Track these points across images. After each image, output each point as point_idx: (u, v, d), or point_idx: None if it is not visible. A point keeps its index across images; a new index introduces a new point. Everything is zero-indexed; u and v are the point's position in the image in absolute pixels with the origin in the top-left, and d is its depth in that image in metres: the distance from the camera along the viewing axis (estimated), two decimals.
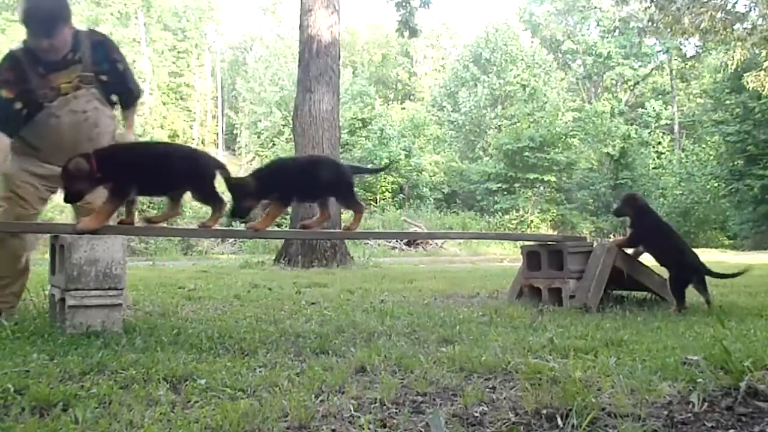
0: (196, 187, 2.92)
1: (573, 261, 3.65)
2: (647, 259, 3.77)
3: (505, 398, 1.66)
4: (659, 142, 33.91)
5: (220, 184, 2.98)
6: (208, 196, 2.95)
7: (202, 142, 42.17)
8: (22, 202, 2.96)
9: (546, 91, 30.17)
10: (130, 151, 2.97)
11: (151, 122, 35.65)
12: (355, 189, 3.41)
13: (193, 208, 13.48)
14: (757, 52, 12.44)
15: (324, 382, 1.79)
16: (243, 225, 3.28)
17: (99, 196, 2.85)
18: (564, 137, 25.89)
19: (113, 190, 2.73)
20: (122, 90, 3.15)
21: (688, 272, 3.50)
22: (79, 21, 39.08)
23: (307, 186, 3.15)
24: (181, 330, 2.61)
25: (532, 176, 24.55)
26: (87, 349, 2.18)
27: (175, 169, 2.85)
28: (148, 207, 12.02)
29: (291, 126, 10.95)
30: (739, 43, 11.50)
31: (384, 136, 23.67)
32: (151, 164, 2.82)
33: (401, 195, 23.63)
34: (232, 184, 2.96)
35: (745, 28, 11.32)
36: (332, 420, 1.47)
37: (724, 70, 19.82)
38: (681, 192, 26.48)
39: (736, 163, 22.66)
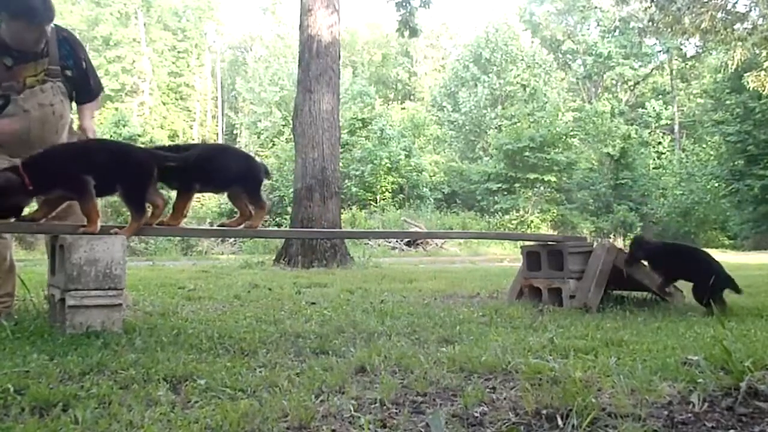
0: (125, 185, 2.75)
1: (573, 261, 3.65)
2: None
3: (505, 398, 1.66)
4: (659, 142, 33.92)
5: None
6: (131, 198, 2.77)
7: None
8: None
9: (546, 91, 30.19)
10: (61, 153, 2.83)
11: (151, 122, 35.65)
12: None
13: (192, 208, 13.49)
14: (757, 52, 12.43)
15: (324, 382, 1.78)
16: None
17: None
18: (564, 137, 25.88)
19: (72, 189, 2.66)
20: (83, 86, 3.15)
21: (716, 283, 3.44)
22: (79, 21, 38.82)
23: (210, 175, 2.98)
24: (181, 330, 2.61)
25: (532, 176, 24.54)
26: (87, 349, 2.18)
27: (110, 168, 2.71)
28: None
29: (291, 126, 10.95)
30: (740, 43, 11.50)
31: (384, 136, 23.67)
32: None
33: (401, 195, 23.63)
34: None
35: (746, 28, 11.32)
36: (332, 420, 1.47)
37: (724, 70, 19.82)
38: (681, 192, 26.49)
39: (736, 163, 22.66)
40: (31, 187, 2.55)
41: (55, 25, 3.02)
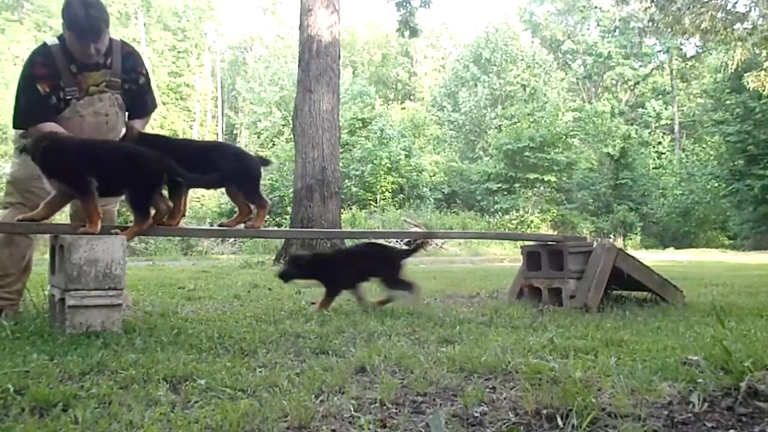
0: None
1: (573, 261, 3.65)
2: (648, 259, 3.77)
3: (505, 398, 1.66)
4: (659, 142, 33.92)
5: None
6: (137, 202, 2.79)
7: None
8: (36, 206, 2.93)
9: (546, 91, 30.18)
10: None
11: (151, 122, 35.59)
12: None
13: (192, 208, 13.48)
14: (757, 52, 12.44)
15: (324, 382, 1.78)
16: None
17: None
18: (564, 137, 25.88)
19: (74, 187, 2.68)
20: (139, 101, 3.22)
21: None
22: None
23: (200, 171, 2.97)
24: (181, 330, 2.61)
25: (532, 176, 24.54)
26: (87, 349, 2.18)
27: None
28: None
29: (291, 126, 10.96)
30: (740, 43, 11.51)
31: (384, 136, 23.66)
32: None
33: (401, 195, 23.62)
34: None
35: (746, 28, 11.33)
36: (332, 420, 1.47)
37: (724, 70, 19.84)
38: (681, 192, 26.50)
39: (736, 163, 22.67)
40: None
41: (121, 40, 3.13)
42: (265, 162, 3.36)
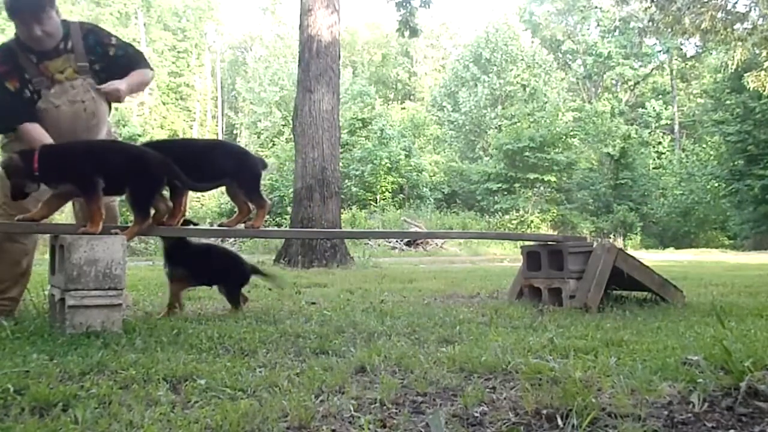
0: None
1: (573, 261, 3.65)
2: (648, 259, 3.76)
3: (505, 398, 1.66)
4: (659, 142, 33.94)
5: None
6: (138, 202, 2.83)
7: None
8: (21, 208, 2.86)
9: (546, 91, 30.19)
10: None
11: (151, 122, 35.67)
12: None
13: (192, 208, 13.48)
14: (757, 52, 12.44)
15: (324, 382, 1.78)
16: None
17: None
18: (564, 137, 25.88)
19: (81, 187, 2.69)
20: (121, 71, 3.01)
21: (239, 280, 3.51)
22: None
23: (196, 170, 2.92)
24: (181, 330, 2.61)
25: (532, 176, 24.54)
26: (87, 349, 2.18)
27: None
28: None
29: (291, 126, 10.95)
30: (740, 43, 11.51)
31: (384, 136, 23.66)
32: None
33: (401, 195, 23.62)
34: None
35: (746, 28, 11.33)
36: (332, 420, 1.47)
37: (724, 70, 19.85)
38: (681, 192, 26.51)
39: (736, 163, 22.67)
40: (37, 173, 2.58)
41: (79, 21, 3.02)
42: (264, 164, 3.32)
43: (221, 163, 3.10)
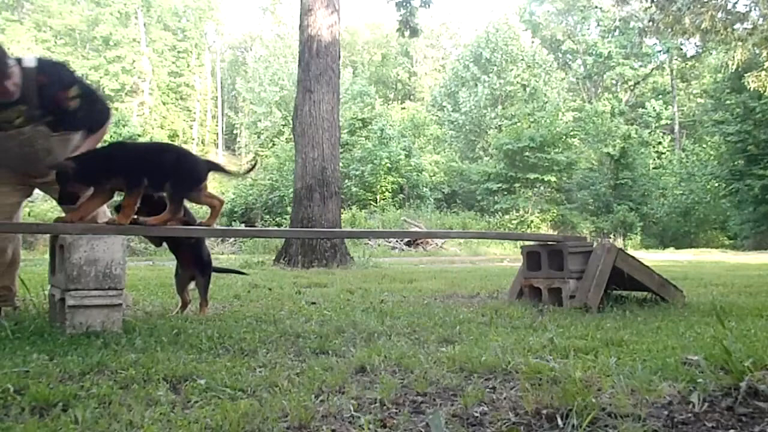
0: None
1: (573, 261, 3.65)
2: (648, 259, 3.76)
3: (505, 398, 1.66)
4: (659, 142, 33.95)
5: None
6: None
7: (202, 142, 42.26)
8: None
9: (546, 91, 30.21)
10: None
11: (151, 122, 35.68)
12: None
13: (192, 208, 13.44)
14: (757, 52, 12.44)
15: (324, 382, 1.78)
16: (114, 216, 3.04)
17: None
18: (564, 137, 25.89)
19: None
20: (87, 122, 2.96)
21: None
22: (79, 21, 38.71)
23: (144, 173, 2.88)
24: (181, 330, 2.61)
25: (532, 176, 24.54)
26: (87, 349, 2.18)
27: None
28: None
29: (291, 126, 10.95)
30: (740, 43, 11.52)
31: (384, 136, 23.66)
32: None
33: (401, 195, 23.62)
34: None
35: (746, 28, 11.34)
36: (332, 420, 1.47)
37: (724, 70, 19.86)
38: (681, 192, 26.50)
39: (736, 163, 22.67)
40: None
41: (37, 65, 2.79)
42: (214, 166, 3.23)
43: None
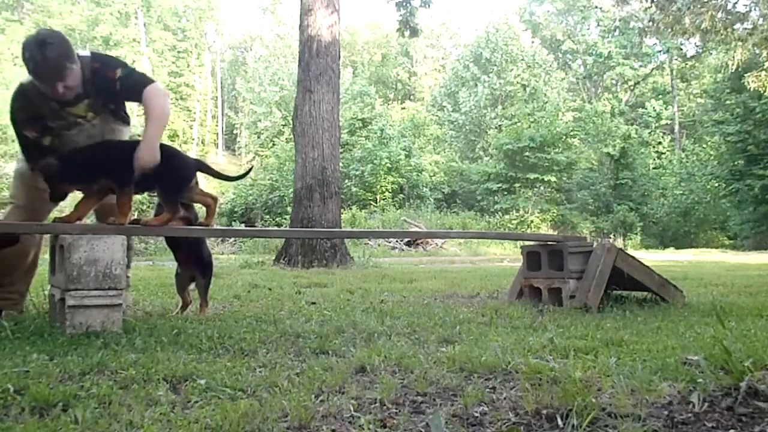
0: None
1: (573, 261, 3.65)
2: (648, 259, 3.76)
3: (505, 398, 1.66)
4: (659, 142, 33.96)
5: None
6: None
7: (202, 142, 42.28)
8: (31, 213, 3.01)
9: (546, 91, 30.21)
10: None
11: None
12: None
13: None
14: (757, 52, 12.44)
15: (324, 382, 1.78)
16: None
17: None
18: (564, 137, 25.89)
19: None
20: (135, 95, 2.95)
21: None
22: (79, 21, 38.72)
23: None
24: (181, 330, 2.61)
25: (532, 176, 24.54)
26: (87, 349, 2.18)
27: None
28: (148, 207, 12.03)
29: (291, 126, 10.95)
30: (740, 43, 11.52)
31: (384, 136, 23.66)
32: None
33: (401, 195, 23.62)
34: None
35: (746, 28, 11.34)
36: (332, 420, 1.47)
37: (724, 70, 19.86)
38: (681, 192, 26.51)
39: (736, 163, 22.67)
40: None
41: (91, 55, 2.91)
42: (203, 166, 3.21)
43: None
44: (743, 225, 22.66)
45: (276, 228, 14.28)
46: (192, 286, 3.48)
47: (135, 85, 2.93)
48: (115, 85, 2.89)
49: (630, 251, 7.39)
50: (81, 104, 2.89)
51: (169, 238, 3.40)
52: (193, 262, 3.41)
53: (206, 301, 3.37)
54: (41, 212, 3.05)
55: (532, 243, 4.14)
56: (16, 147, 3.14)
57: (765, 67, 13.07)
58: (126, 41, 38.23)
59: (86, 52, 2.90)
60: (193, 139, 40.96)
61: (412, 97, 43.37)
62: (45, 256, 3.17)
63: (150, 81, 2.95)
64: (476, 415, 1.52)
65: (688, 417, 1.50)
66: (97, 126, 2.97)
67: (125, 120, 3.13)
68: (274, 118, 33.57)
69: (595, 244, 3.85)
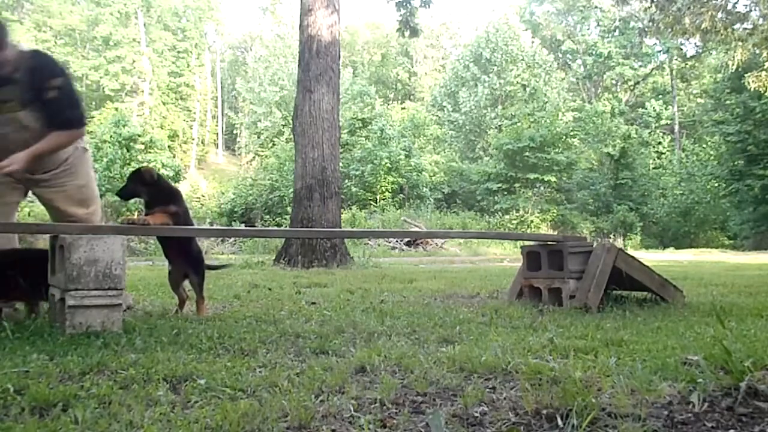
0: None
1: (573, 261, 3.65)
2: (648, 259, 3.76)
3: (505, 398, 1.65)
4: (659, 142, 33.97)
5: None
6: None
7: (202, 142, 42.27)
8: None
9: (546, 91, 30.22)
10: None
11: (151, 122, 35.65)
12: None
13: (192, 208, 13.48)
14: (757, 52, 12.44)
15: (324, 382, 1.78)
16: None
17: None
18: (564, 137, 25.89)
19: None
20: (56, 118, 2.88)
21: None
22: (79, 21, 38.71)
23: None
24: (181, 330, 2.61)
25: (532, 176, 24.54)
26: (87, 349, 2.18)
27: None
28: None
29: (291, 126, 10.95)
30: (740, 43, 11.51)
31: (384, 136, 23.66)
32: None
33: (401, 195, 23.62)
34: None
35: (746, 29, 11.34)
36: (332, 420, 1.47)
37: (724, 70, 19.88)
38: (681, 192, 26.51)
39: (736, 163, 22.67)
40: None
41: (33, 51, 2.86)
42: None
43: None
44: (743, 225, 22.65)
45: (276, 228, 14.28)
46: (188, 285, 3.47)
47: (69, 120, 2.90)
48: (47, 93, 2.80)
49: (630, 251, 7.39)
50: (7, 89, 2.77)
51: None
52: (183, 258, 3.38)
53: (203, 298, 3.34)
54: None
55: (532, 243, 4.13)
56: None
57: (765, 67, 13.07)
58: (126, 41, 38.22)
59: (27, 48, 2.87)
60: (193, 139, 40.96)
61: (412, 97, 43.38)
62: None
63: (80, 124, 2.98)
64: (476, 415, 1.52)
65: (688, 417, 1.50)
66: (26, 118, 2.84)
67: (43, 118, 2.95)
68: (274, 118, 33.58)
69: (595, 244, 3.85)
